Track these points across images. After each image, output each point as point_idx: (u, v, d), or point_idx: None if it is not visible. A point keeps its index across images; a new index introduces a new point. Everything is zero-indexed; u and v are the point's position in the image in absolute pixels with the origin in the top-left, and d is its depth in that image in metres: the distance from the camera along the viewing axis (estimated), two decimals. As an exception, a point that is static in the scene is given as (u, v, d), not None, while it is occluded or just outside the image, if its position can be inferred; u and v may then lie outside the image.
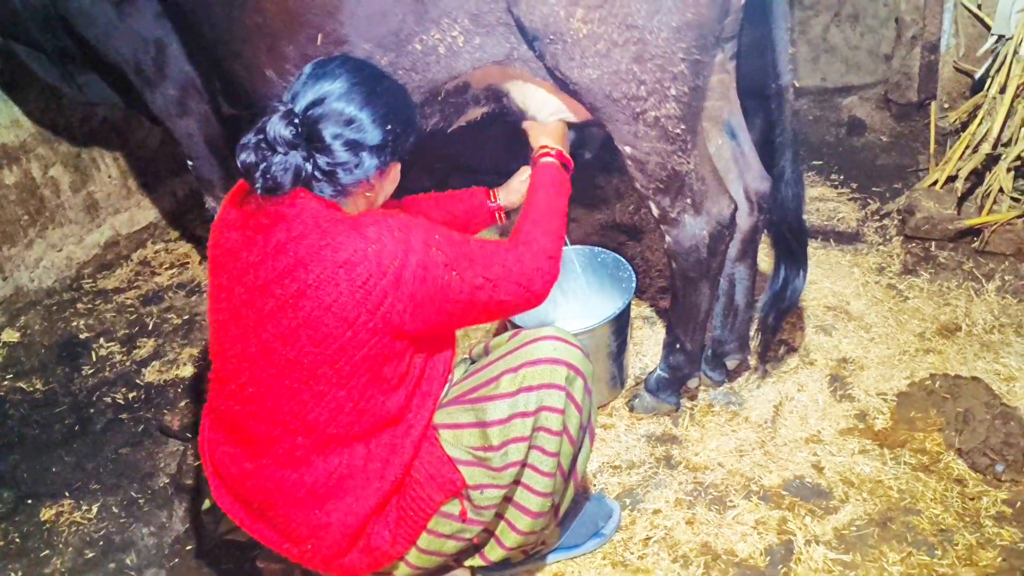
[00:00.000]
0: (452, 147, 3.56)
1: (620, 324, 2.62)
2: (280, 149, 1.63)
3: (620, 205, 3.81)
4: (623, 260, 2.79)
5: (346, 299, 1.63)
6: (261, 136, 1.64)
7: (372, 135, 1.69)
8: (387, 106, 1.72)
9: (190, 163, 2.93)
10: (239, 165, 1.65)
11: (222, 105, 2.82)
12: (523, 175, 2.39)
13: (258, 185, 1.64)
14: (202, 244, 3.87)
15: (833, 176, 3.87)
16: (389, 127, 1.72)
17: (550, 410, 1.81)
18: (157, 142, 3.96)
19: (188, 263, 3.81)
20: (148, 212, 3.99)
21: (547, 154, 2.18)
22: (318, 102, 1.67)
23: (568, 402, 1.83)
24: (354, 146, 1.68)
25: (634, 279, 2.71)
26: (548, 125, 2.30)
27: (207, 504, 2.37)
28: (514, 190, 2.36)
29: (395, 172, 1.83)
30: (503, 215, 2.40)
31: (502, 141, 4.00)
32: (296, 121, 1.65)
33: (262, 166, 1.63)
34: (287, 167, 1.63)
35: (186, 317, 3.45)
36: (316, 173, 1.68)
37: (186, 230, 4.03)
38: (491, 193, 2.39)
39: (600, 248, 2.86)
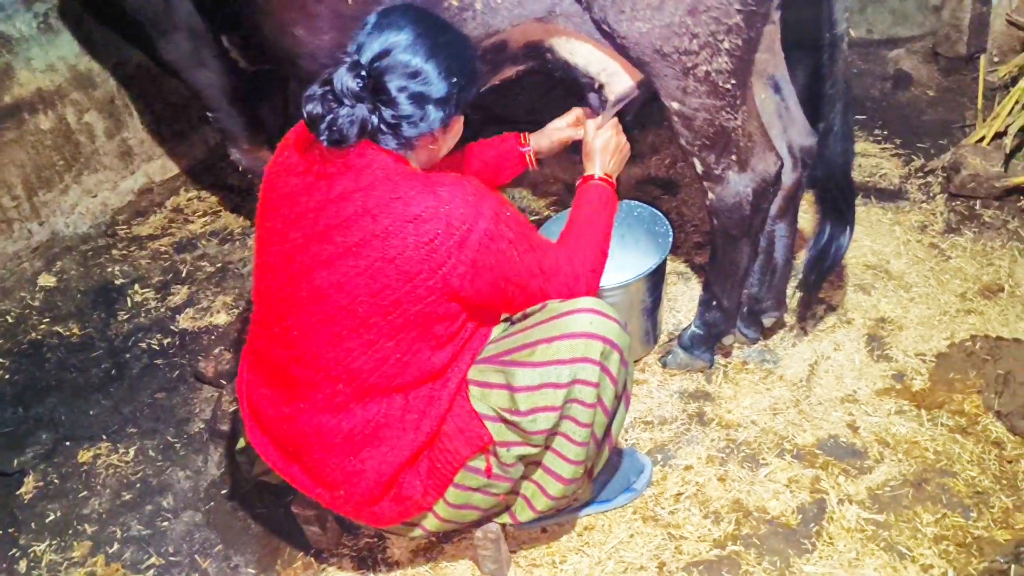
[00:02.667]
0: (486, 97, 3.51)
1: (655, 279, 2.58)
2: (347, 102, 1.63)
3: (655, 159, 3.74)
4: (660, 214, 2.73)
5: (411, 253, 1.63)
6: (328, 88, 1.64)
7: (438, 88, 1.68)
8: (452, 58, 1.70)
9: (210, 115, 2.91)
10: (305, 116, 1.65)
11: (240, 61, 2.79)
12: (559, 122, 2.33)
13: (323, 137, 1.64)
14: (235, 192, 3.86)
15: (876, 131, 3.76)
16: (454, 80, 1.70)
17: (584, 383, 1.79)
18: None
19: (220, 211, 3.81)
20: (181, 160, 3.99)
21: (591, 178, 2.16)
22: (384, 54, 1.65)
23: (603, 375, 1.81)
24: (420, 99, 1.67)
25: (671, 234, 2.66)
26: (598, 142, 2.19)
27: (242, 443, 2.39)
28: (546, 134, 2.32)
29: (458, 126, 1.82)
30: (534, 160, 2.34)
31: (537, 90, 3.94)
32: (363, 73, 1.64)
33: (328, 118, 1.63)
34: (353, 120, 1.63)
35: (219, 265, 3.46)
36: (381, 126, 1.67)
37: (218, 179, 4.02)
38: (523, 136, 2.34)
39: (637, 202, 2.81)
